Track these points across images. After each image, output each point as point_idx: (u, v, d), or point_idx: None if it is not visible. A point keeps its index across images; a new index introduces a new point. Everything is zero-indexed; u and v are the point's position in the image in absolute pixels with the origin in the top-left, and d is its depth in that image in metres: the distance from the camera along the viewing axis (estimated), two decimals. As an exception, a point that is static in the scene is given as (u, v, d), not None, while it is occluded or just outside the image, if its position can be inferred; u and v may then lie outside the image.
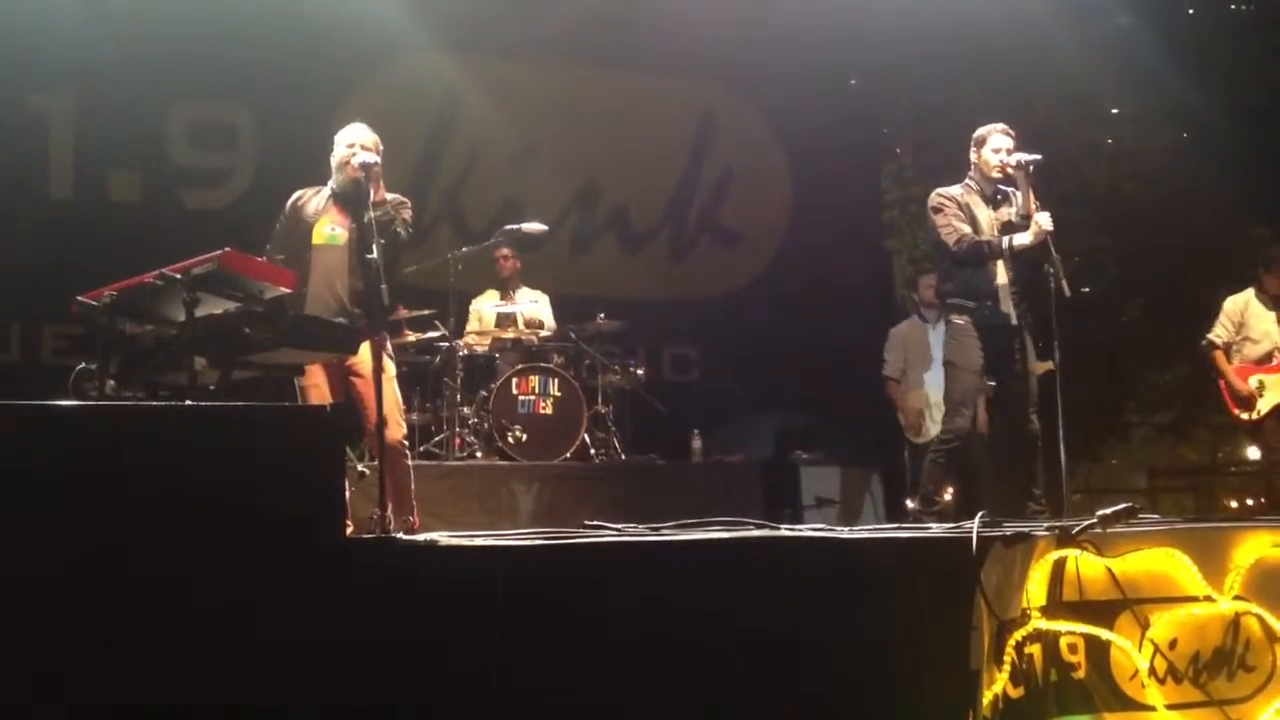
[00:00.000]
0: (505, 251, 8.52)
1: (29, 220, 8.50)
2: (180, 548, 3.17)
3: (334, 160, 5.49)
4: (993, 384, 6.49)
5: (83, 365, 4.22)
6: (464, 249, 8.05)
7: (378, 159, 5.26)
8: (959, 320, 6.05)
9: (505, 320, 8.52)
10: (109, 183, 9.00)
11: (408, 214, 5.43)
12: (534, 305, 8.59)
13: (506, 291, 8.67)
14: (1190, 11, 9.81)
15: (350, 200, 5.37)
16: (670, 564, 3.75)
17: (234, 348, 4.25)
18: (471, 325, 8.58)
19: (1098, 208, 9.83)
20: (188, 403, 3.94)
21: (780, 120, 10.76)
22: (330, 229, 5.42)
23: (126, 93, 8.55)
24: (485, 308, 8.64)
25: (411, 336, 7.86)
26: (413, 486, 5.50)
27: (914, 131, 10.30)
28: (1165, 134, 9.77)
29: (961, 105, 8.99)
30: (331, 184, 5.52)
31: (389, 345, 5.63)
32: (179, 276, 4.07)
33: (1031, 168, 5.93)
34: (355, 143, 5.40)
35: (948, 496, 6.49)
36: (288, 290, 4.44)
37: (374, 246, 4.79)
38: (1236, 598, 4.34)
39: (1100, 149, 10.08)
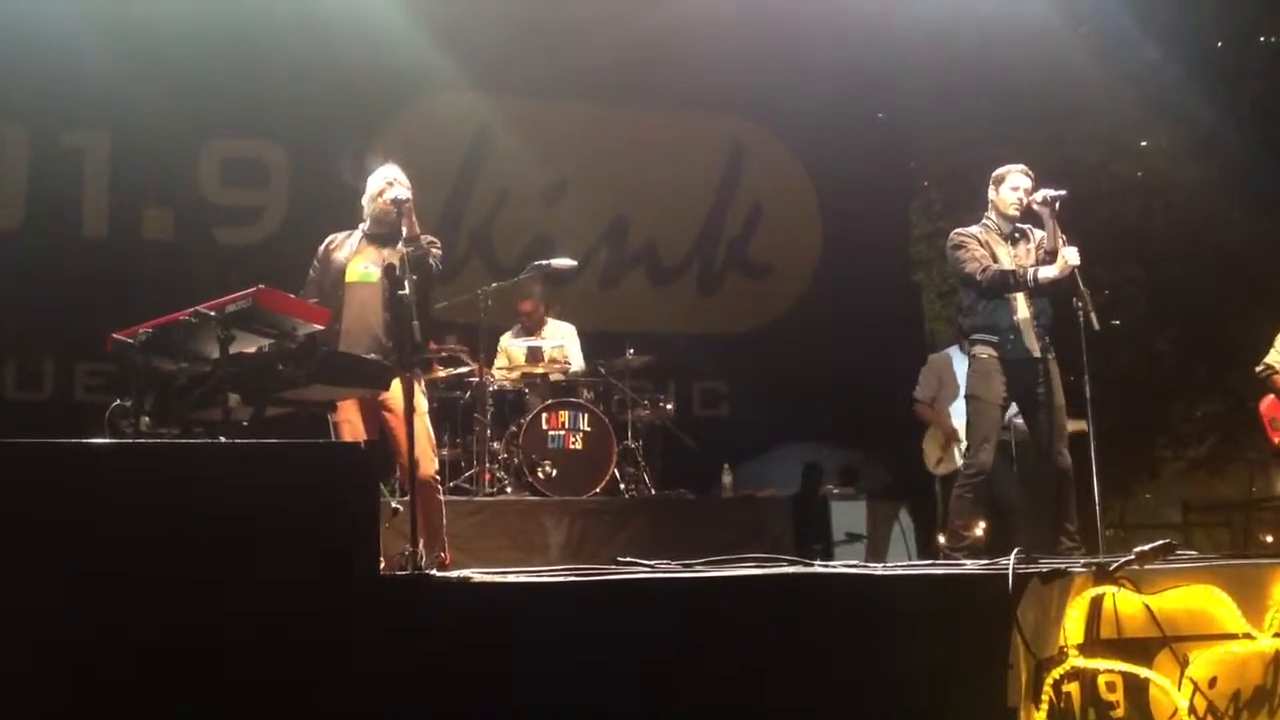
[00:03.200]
0: (526, 296, 8.49)
1: (63, 258, 8.61)
2: (214, 584, 3.18)
3: (366, 195, 5.56)
4: (1016, 415, 6.46)
5: (117, 403, 4.25)
6: (494, 284, 8.07)
7: (409, 195, 5.31)
8: (982, 354, 6.05)
9: (535, 355, 8.51)
10: (142, 220, 9.10)
11: (438, 250, 5.46)
12: (559, 344, 8.57)
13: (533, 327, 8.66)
14: (1219, 44, 9.76)
15: (383, 238, 5.45)
16: (703, 601, 3.73)
17: (267, 384, 4.28)
18: (500, 360, 8.59)
19: (1128, 241, 9.76)
20: (221, 439, 3.96)
21: (808, 154, 10.78)
22: (364, 266, 5.48)
23: (160, 131, 8.66)
24: (514, 343, 8.64)
25: (442, 372, 7.87)
26: (444, 522, 5.50)
27: (942, 165, 10.24)
28: (1196, 167, 9.70)
29: (990, 139, 8.96)
30: (363, 225, 5.59)
31: (421, 381, 5.65)
32: (213, 314, 4.10)
33: (1057, 203, 5.93)
34: (389, 179, 5.47)
35: (978, 532, 6.44)
36: (321, 327, 4.47)
37: (406, 283, 4.80)
38: (1277, 635, 4.28)
39: (1130, 182, 10.01)
